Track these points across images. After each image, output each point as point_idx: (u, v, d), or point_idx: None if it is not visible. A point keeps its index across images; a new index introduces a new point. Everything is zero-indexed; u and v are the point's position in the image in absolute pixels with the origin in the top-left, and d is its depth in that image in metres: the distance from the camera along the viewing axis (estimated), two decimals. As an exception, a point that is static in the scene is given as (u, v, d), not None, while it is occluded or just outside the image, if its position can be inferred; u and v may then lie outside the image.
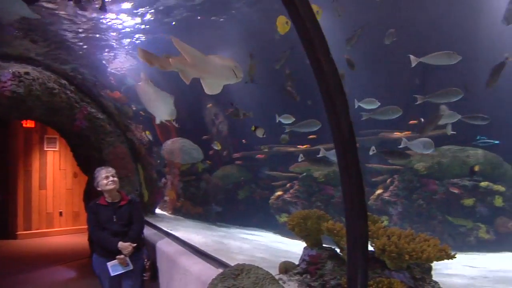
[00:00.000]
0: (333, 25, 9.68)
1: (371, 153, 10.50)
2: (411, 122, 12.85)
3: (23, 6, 8.96)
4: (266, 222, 14.81)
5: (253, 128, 11.09)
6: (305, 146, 14.80)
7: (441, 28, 11.68)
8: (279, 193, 14.51)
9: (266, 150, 15.86)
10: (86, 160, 12.36)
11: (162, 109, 9.65)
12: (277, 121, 11.62)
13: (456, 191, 12.10)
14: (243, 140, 16.56)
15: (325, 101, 2.26)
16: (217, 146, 15.64)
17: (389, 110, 10.28)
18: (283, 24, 8.40)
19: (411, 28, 11.31)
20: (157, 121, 10.51)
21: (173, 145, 16.09)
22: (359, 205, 2.32)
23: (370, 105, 10.60)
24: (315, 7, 8.07)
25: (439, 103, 9.85)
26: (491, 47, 10.53)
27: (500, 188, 12.24)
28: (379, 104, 10.58)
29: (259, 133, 10.93)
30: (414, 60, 9.43)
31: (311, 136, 13.91)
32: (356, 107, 10.80)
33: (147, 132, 14.36)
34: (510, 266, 9.02)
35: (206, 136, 16.95)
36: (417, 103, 9.96)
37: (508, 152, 12.97)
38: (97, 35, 12.33)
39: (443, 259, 4.35)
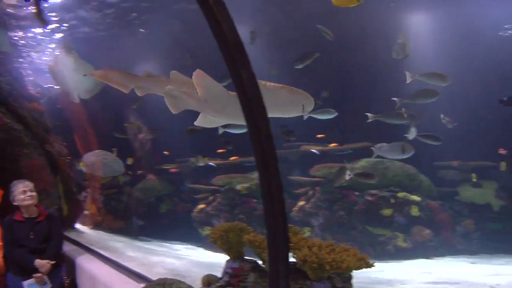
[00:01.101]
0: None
1: (347, 177, 10.45)
2: (318, 136, 13.21)
3: None
4: (189, 235, 14.67)
5: (188, 131, 10.90)
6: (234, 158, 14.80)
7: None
8: (201, 206, 14.44)
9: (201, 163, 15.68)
10: (1, 173, 11.85)
11: (83, 83, 9.01)
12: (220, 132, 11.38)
13: (370, 198, 12.45)
14: (165, 152, 16.39)
15: (245, 113, 2.26)
16: (129, 161, 15.44)
17: (325, 111, 10.30)
18: None
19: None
20: (76, 99, 9.87)
21: (93, 157, 15.70)
22: (280, 216, 2.33)
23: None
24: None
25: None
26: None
27: (416, 198, 12.70)
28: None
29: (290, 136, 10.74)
30: (409, 77, 9.70)
31: (220, 150, 14.05)
32: None
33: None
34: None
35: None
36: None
37: (423, 163, 13.52)
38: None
39: (362, 268, 4.45)
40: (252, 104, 2.23)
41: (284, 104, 6.15)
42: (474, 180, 13.01)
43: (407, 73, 9.78)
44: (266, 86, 5.99)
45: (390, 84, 12.17)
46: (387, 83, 12.35)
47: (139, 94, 6.83)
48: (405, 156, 10.45)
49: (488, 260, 11.88)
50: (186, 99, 6.37)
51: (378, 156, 10.67)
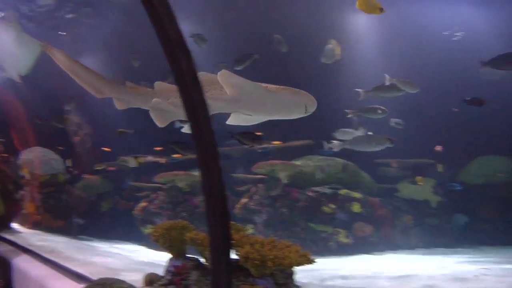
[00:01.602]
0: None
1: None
2: (156, 148, 13.36)
3: None
4: (131, 234, 14.46)
5: (118, 133, 10.73)
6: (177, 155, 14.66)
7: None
8: (143, 204, 14.25)
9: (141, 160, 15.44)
10: None
11: (22, 59, 7.70)
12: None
13: (311, 193, 12.60)
14: (106, 149, 16.07)
15: (186, 111, 2.24)
16: (68, 163, 15.15)
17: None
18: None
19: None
20: (16, 78, 8.55)
21: (32, 154, 15.24)
22: (222, 214, 2.32)
23: None
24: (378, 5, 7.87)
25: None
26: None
27: (357, 195, 12.93)
28: None
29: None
30: (364, 94, 9.82)
31: (157, 148, 13.95)
32: None
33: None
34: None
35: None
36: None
37: (364, 160, 13.80)
38: None
39: (304, 264, 4.49)
40: (193, 101, 2.21)
41: (287, 105, 6.09)
42: (420, 183, 13.35)
43: (361, 91, 9.97)
44: (268, 88, 5.89)
45: (333, 83, 12.38)
46: (329, 83, 12.55)
47: (119, 107, 6.43)
48: (378, 149, 10.57)
49: (426, 253, 12.26)
50: (174, 110, 6.10)
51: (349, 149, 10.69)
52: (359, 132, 10.83)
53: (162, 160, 14.93)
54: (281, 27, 12.42)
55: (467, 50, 12.42)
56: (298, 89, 6.06)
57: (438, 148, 13.83)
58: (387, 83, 10.00)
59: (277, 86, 5.98)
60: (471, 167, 15.00)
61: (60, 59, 6.16)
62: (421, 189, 14.22)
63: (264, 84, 5.89)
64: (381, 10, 7.97)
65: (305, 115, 6.19)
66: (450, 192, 13.96)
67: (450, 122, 13.87)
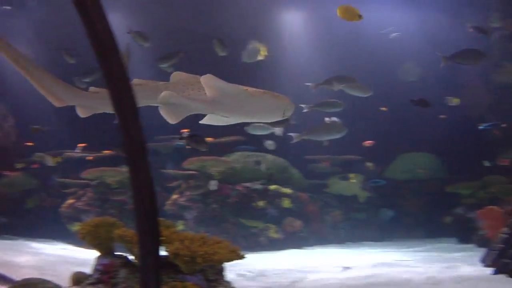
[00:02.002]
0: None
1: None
2: (79, 145, 13.34)
3: None
4: (58, 232, 14.03)
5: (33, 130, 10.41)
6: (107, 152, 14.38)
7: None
8: (70, 201, 13.87)
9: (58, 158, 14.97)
10: None
11: None
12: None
13: (240, 188, 12.66)
14: (29, 143, 15.50)
15: (114, 106, 2.20)
16: None
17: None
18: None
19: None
20: None
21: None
22: (150, 210, 2.29)
23: None
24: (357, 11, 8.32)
25: None
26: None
27: (288, 190, 13.09)
28: None
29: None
30: (307, 108, 9.85)
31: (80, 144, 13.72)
32: None
33: None
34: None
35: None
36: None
37: (293, 157, 14.00)
38: None
39: (234, 260, 4.51)
40: (121, 97, 2.17)
41: (267, 109, 6.00)
42: (353, 180, 13.60)
43: (304, 106, 10.08)
44: (249, 92, 5.74)
45: (266, 81, 12.47)
46: (261, 81, 12.63)
47: (82, 115, 5.88)
48: (336, 137, 10.65)
49: (354, 247, 12.59)
50: (189, 104, 5.76)
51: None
52: (278, 128, 10.93)
53: (90, 156, 14.60)
54: (211, 24, 12.43)
55: (395, 49, 12.84)
56: (278, 93, 5.99)
57: (368, 143, 14.21)
58: (313, 90, 10.25)
59: (257, 90, 5.87)
60: (396, 164, 15.60)
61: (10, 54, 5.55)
62: (350, 184, 14.58)
63: (244, 87, 5.75)
64: (360, 17, 8.42)
65: (282, 118, 6.16)
66: (378, 188, 14.36)
67: (379, 120, 14.36)
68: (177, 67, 9.91)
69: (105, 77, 2.12)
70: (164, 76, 6.15)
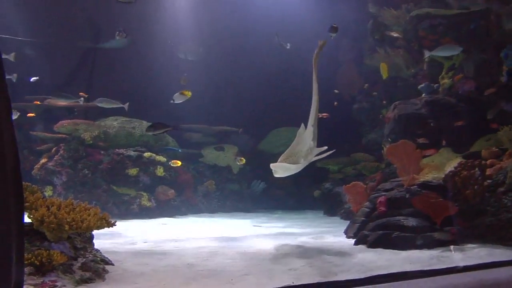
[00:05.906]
0: None
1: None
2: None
3: None
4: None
5: None
6: None
7: None
8: (43, 160, 12.53)
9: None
10: None
11: None
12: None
13: (115, 157, 12.39)
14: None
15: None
16: None
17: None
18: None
19: None
20: None
21: None
22: (12, 173, 2.15)
23: None
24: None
25: None
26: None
27: (162, 158, 12.98)
28: None
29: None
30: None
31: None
32: None
33: None
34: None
35: None
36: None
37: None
38: None
39: (103, 227, 4.41)
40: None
41: None
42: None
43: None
44: None
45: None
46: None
47: None
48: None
49: (226, 217, 12.79)
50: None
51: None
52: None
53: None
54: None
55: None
56: None
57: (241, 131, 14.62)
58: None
59: None
60: (269, 138, 16.08)
61: None
62: (224, 155, 14.77)
63: None
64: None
65: None
66: (251, 159, 14.59)
67: (255, 96, 14.66)
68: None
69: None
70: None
